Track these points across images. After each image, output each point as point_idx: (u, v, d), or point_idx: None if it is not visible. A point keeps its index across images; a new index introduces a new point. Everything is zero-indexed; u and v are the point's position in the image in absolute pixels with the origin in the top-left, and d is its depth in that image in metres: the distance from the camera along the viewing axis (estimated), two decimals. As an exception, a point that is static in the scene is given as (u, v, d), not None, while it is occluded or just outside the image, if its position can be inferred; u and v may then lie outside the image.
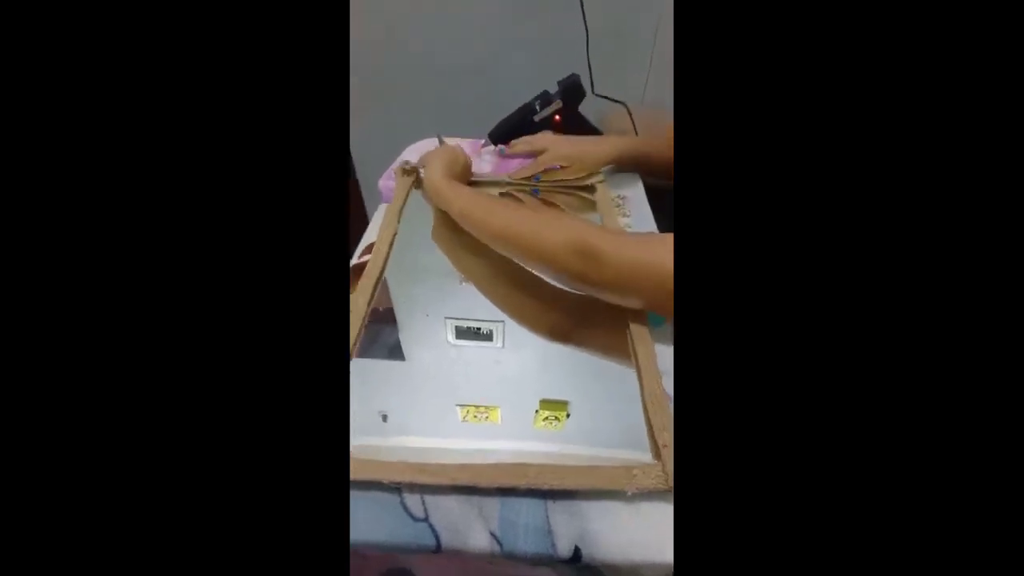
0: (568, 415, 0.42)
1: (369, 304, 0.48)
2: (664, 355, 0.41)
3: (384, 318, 0.50)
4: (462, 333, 0.50)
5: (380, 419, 0.42)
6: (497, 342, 0.49)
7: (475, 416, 0.43)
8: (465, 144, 0.77)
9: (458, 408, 0.43)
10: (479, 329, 0.50)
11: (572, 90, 0.71)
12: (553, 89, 0.72)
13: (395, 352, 0.48)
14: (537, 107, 0.71)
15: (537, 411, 0.42)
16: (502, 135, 0.73)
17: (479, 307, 0.52)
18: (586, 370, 0.46)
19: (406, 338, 0.49)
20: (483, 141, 0.75)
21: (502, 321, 0.50)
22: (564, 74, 0.73)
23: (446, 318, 0.51)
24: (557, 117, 0.72)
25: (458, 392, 0.45)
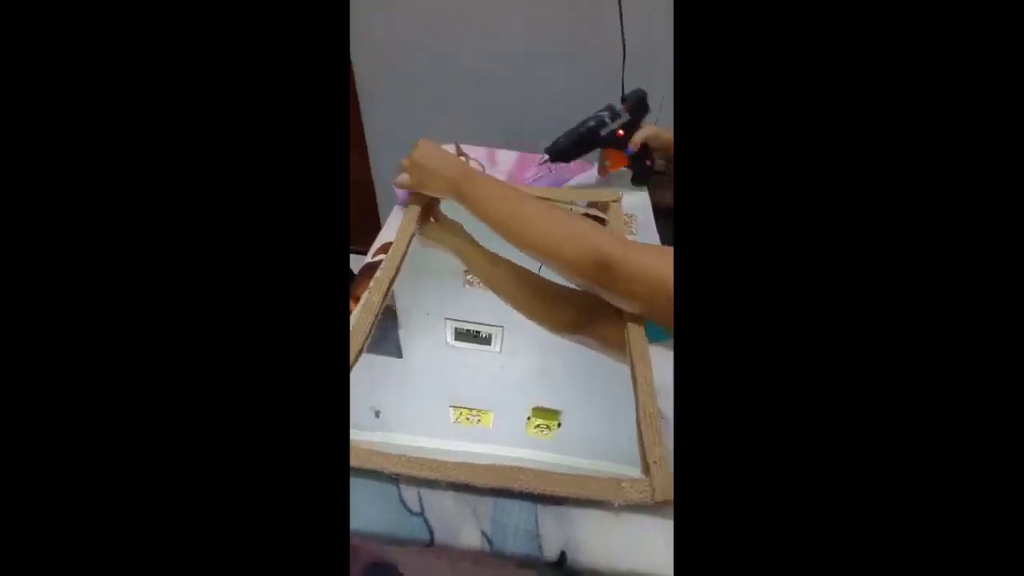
0: (559, 424, 0.43)
1: (383, 301, 0.48)
2: (661, 370, 0.42)
3: (393, 315, 0.50)
4: (461, 335, 0.51)
5: (372, 415, 0.43)
6: (495, 346, 0.50)
7: (467, 419, 0.43)
8: (480, 152, 0.78)
9: (451, 409, 0.44)
10: (478, 332, 0.51)
11: (639, 105, 0.71)
12: (618, 104, 0.70)
13: (395, 349, 0.49)
14: (607, 120, 0.69)
15: (529, 418, 0.43)
16: (564, 149, 0.69)
17: (480, 310, 0.53)
18: (580, 381, 0.48)
19: (405, 336, 0.50)
20: (543, 157, 0.71)
21: (501, 326, 0.51)
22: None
23: (446, 319, 0.52)
24: (620, 132, 0.70)
25: (452, 393, 0.45)
